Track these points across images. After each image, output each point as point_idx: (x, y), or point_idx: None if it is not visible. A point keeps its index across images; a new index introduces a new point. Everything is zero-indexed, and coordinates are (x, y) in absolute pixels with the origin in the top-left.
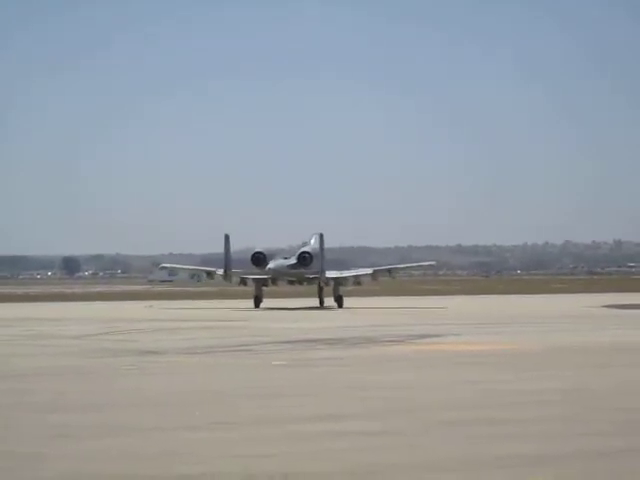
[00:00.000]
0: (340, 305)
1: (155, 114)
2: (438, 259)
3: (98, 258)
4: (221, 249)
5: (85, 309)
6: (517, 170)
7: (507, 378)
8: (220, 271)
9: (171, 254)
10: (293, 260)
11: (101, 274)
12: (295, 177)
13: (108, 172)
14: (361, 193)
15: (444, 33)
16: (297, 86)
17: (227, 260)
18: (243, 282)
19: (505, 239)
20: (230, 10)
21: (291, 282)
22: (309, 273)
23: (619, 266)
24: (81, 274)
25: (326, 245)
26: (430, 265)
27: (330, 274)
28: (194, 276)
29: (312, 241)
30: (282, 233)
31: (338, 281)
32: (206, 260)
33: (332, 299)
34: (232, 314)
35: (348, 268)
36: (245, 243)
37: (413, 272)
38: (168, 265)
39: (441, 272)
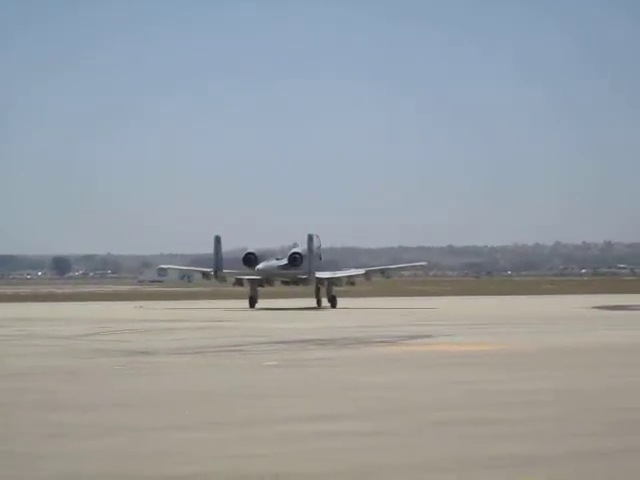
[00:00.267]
0: (334, 305)
1: (155, 114)
2: (429, 260)
3: (89, 258)
4: (212, 250)
5: (76, 309)
6: (515, 170)
7: (499, 378)
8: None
9: (161, 254)
10: (284, 261)
11: (91, 274)
12: (292, 177)
13: (105, 172)
14: (352, 194)
15: (444, 33)
16: (297, 86)
17: (217, 261)
18: (239, 282)
19: (495, 240)
20: (230, 10)
21: (285, 283)
22: (301, 273)
23: (609, 267)
24: (71, 274)
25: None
26: (422, 265)
27: (323, 275)
28: (184, 276)
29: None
30: (277, 234)
31: (331, 281)
32: (196, 260)
33: (326, 299)
34: (224, 314)
35: (340, 269)
36: (239, 243)
37: (403, 273)
38: (166, 266)
39: (432, 273)
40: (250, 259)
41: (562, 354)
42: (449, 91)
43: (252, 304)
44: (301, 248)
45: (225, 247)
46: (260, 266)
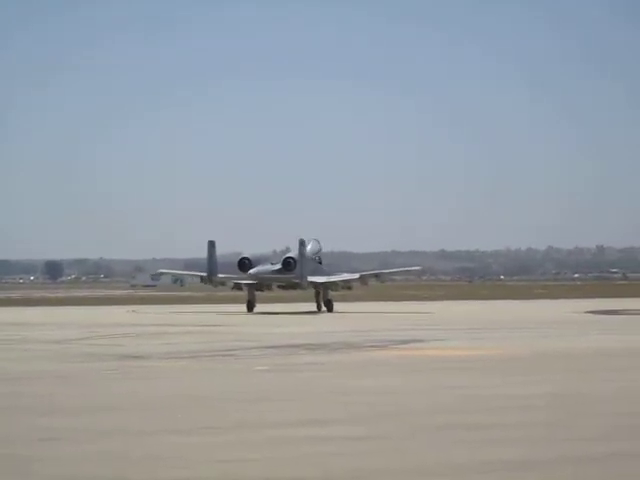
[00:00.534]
0: (330, 309)
1: (155, 114)
2: (422, 264)
3: (81, 262)
4: (205, 254)
5: (68, 313)
6: (514, 171)
7: (493, 383)
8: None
9: (154, 259)
10: (278, 265)
11: (84, 278)
12: (292, 177)
13: (98, 177)
14: (351, 194)
15: (444, 33)
16: (297, 86)
17: (211, 265)
18: (237, 287)
19: (488, 244)
20: (230, 10)
21: (282, 287)
22: (294, 278)
23: (601, 271)
24: (64, 279)
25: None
26: (416, 270)
27: (319, 279)
28: (177, 280)
29: (309, 246)
30: (271, 237)
31: (326, 286)
32: (189, 265)
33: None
34: (218, 319)
35: (334, 273)
36: (233, 247)
37: (396, 277)
38: (165, 270)
39: (424, 277)
40: (245, 264)
41: (555, 359)
42: (449, 91)
43: (250, 308)
44: (294, 253)
45: (219, 251)
46: (252, 271)
